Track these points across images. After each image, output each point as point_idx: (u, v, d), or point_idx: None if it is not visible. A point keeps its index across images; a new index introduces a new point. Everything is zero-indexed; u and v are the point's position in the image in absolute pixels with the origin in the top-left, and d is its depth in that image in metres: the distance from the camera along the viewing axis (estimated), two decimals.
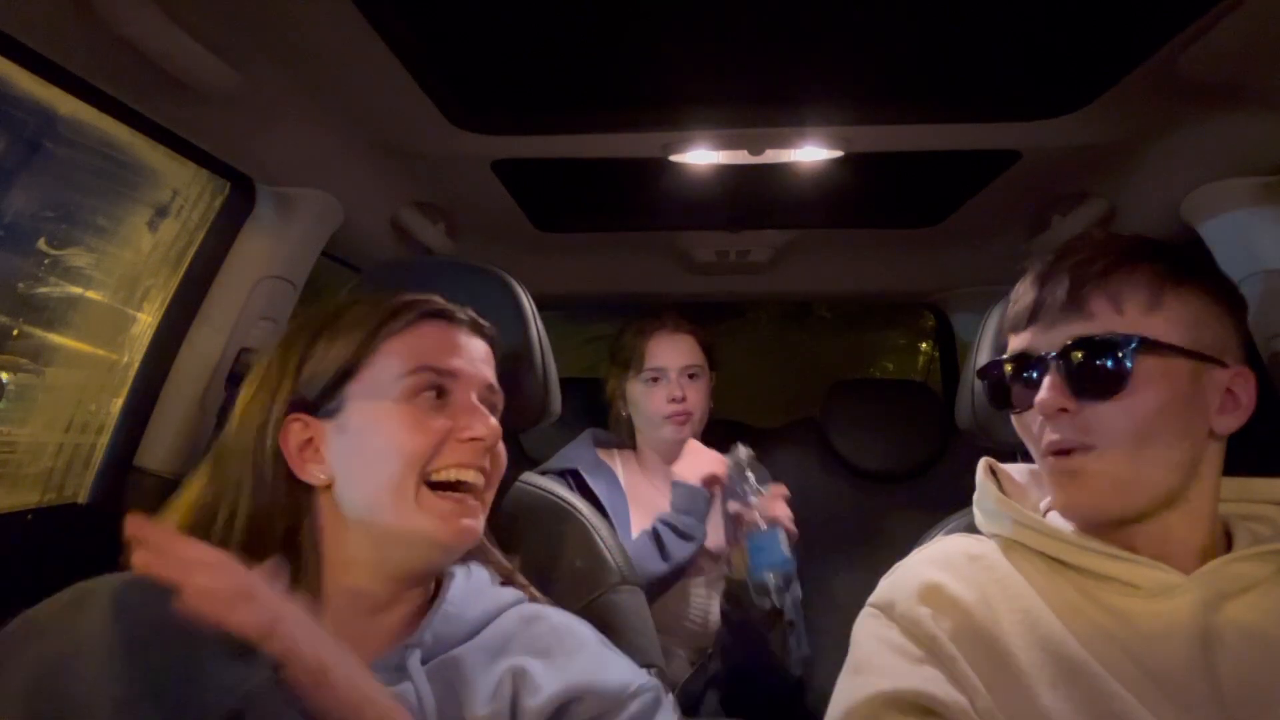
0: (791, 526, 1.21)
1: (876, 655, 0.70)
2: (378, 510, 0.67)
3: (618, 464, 1.52)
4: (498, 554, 0.80)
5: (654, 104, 1.07)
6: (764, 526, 1.17)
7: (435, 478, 0.68)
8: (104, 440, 1.10)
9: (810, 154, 1.17)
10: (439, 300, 0.75)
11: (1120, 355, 0.66)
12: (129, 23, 0.75)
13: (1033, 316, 0.71)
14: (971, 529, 0.83)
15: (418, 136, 1.14)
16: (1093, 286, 0.68)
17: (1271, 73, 0.86)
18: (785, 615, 1.21)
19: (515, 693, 0.66)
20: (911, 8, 0.86)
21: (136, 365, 1.12)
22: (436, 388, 0.70)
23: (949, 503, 0.93)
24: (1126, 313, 0.67)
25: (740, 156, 1.19)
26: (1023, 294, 0.74)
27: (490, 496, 0.73)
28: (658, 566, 1.25)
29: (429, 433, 0.68)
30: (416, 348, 0.71)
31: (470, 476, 0.69)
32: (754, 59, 0.97)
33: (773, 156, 1.18)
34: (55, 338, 1.07)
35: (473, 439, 0.69)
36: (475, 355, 0.75)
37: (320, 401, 0.69)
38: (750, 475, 1.23)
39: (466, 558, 0.77)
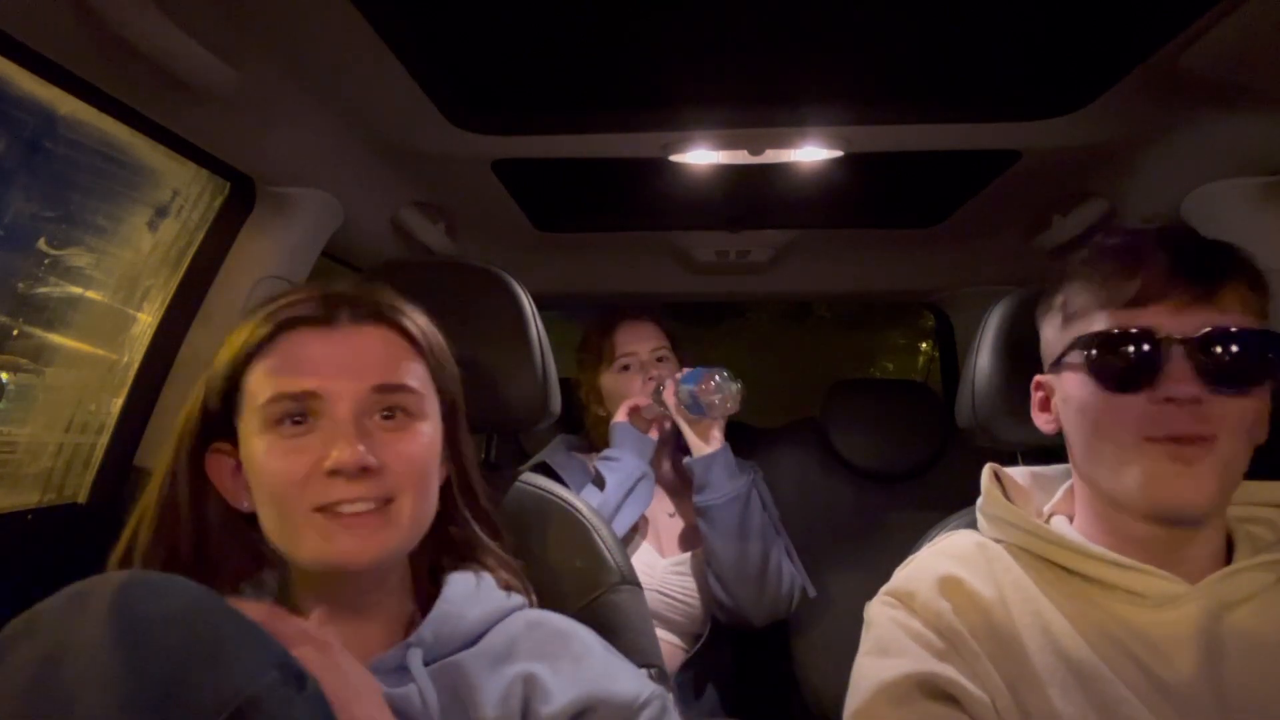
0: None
1: (901, 640, 0.70)
2: (275, 539, 0.65)
3: (593, 461, 1.52)
4: (505, 562, 0.78)
5: (654, 104, 1.07)
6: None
7: (316, 505, 0.63)
8: (104, 440, 1.10)
9: (810, 154, 1.17)
10: (303, 301, 0.68)
11: (1262, 352, 0.65)
12: (129, 23, 0.75)
13: (1160, 295, 0.67)
14: (972, 528, 0.83)
15: (418, 136, 1.14)
16: (1226, 279, 0.67)
17: (1271, 73, 0.86)
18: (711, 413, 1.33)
19: (526, 699, 0.64)
20: (912, 8, 0.86)
21: (136, 365, 1.12)
22: (295, 414, 0.64)
23: (949, 503, 0.93)
24: (1249, 312, 0.67)
25: (740, 156, 1.18)
26: (1136, 268, 0.68)
27: (406, 505, 0.66)
28: (595, 497, 1.27)
29: (291, 467, 0.62)
30: (275, 370, 0.65)
31: (347, 509, 0.63)
32: (754, 59, 0.97)
33: (773, 156, 1.18)
34: (55, 338, 1.07)
35: (333, 472, 0.62)
36: (353, 357, 0.66)
37: (226, 429, 0.67)
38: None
39: (463, 560, 0.76)
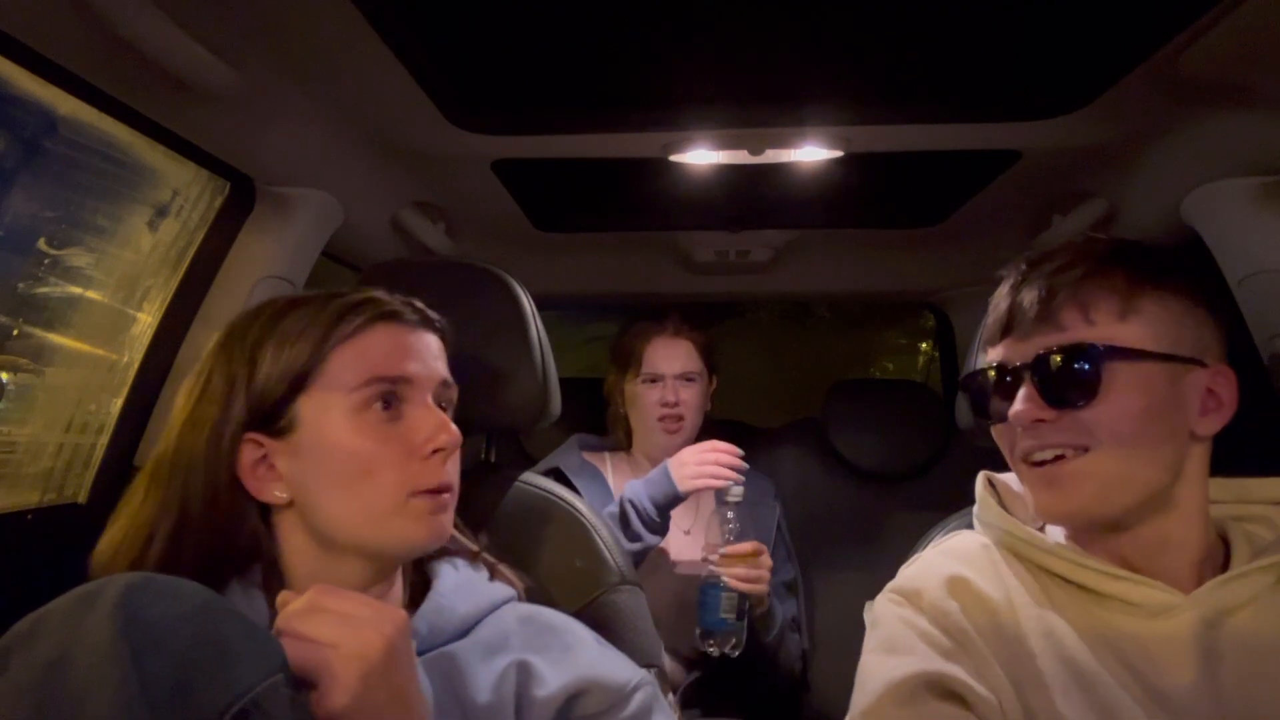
0: (741, 586, 1.23)
1: (908, 638, 0.70)
2: (354, 527, 0.66)
3: (607, 466, 1.53)
4: (466, 541, 0.80)
5: (654, 104, 1.07)
6: (711, 579, 1.23)
7: (414, 489, 0.67)
8: (104, 440, 1.10)
9: (810, 154, 1.17)
10: (388, 299, 0.72)
11: (1088, 364, 0.67)
12: (129, 23, 0.75)
13: (1007, 329, 0.72)
14: (970, 529, 0.83)
15: (418, 136, 1.14)
16: (1064, 297, 0.69)
17: (1271, 73, 0.86)
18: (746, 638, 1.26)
19: (521, 684, 0.66)
20: (912, 8, 0.86)
21: (136, 365, 1.12)
22: (387, 397, 0.67)
23: (949, 503, 0.93)
24: (1098, 321, 0.68)
25: (740, 156, 1.18)
26: (997, 305, 0.75)
27: (457, 493, 0.72)
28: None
29: (388, 452, 0.66)
30: (367, 355, 0.68)
31: (442, 488, 0.68)
32: (754, 59, 0.97)
33: (773, 156, 1.18)
34: (55, 338, 1.07)
35: (437, 451, 0.67)
36: (428, 354, 0.72)
37: (272, 417, 0.67)
38: (731, 520, 1.26)
39: (443, 552, 0.77)
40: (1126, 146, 1.11)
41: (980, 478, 0.82)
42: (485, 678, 0.66)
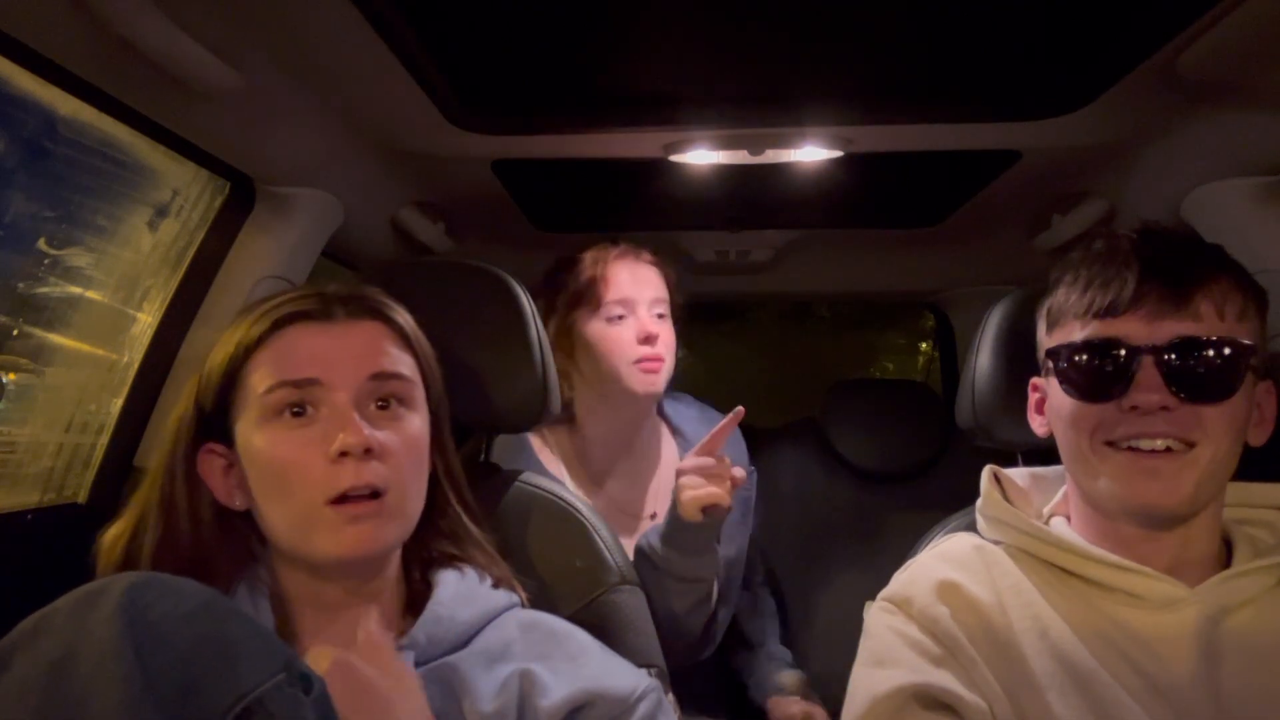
0: None
1: (896, 649, 0.70)
2: (278, 534, 0.66)
3: (560, 467, 1.24)
4: (490, 555, 0.79)
5: (654, 104, 1.07)
6: None
7: (328, 497, 0.64)
8: (104, 440, 1.10)
9: (810, 154, 1.17)
10: (299, 298, 0.70)
11: (1233, 362, 0.66)
12: (129, 23, 0.75)
13: (1131, 305, 0.68)
14: (971, 529, 0.83)
15: (418, 136, 1.14)
16: (1199, 286, 0.67)
17: (1271, 73, 0.86)
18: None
19: (524, 693, 0.66)
20: (912, 7, 0.86)
21: (136, 365, 1.12)
22: (294, 403, 0.65)
23: (949, 503, 0.93)
24: (1226, 318, 0.67)
25: (740, 156, 1.18)
26: (1110, 278, 0.69)
27: (401, 494, 0.67)
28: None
29: (297, 458, 0.64)
30: (275, 360, 0.66)
31: (356, 493, 0.64)
32: (754, 59, 0.97)
33: (773, 156, 1.18)
34: (55, 338, 1.07)
35: (342, 454, 0.63)
36: (350, 349, 0.68)
37: (218, 426, 0.68)
38: None
39: (456, 558, 0.76)
40: (1126, 146, 1.11)
41: (986, 472, 0.82)
42: (488, 687, 0.66)
